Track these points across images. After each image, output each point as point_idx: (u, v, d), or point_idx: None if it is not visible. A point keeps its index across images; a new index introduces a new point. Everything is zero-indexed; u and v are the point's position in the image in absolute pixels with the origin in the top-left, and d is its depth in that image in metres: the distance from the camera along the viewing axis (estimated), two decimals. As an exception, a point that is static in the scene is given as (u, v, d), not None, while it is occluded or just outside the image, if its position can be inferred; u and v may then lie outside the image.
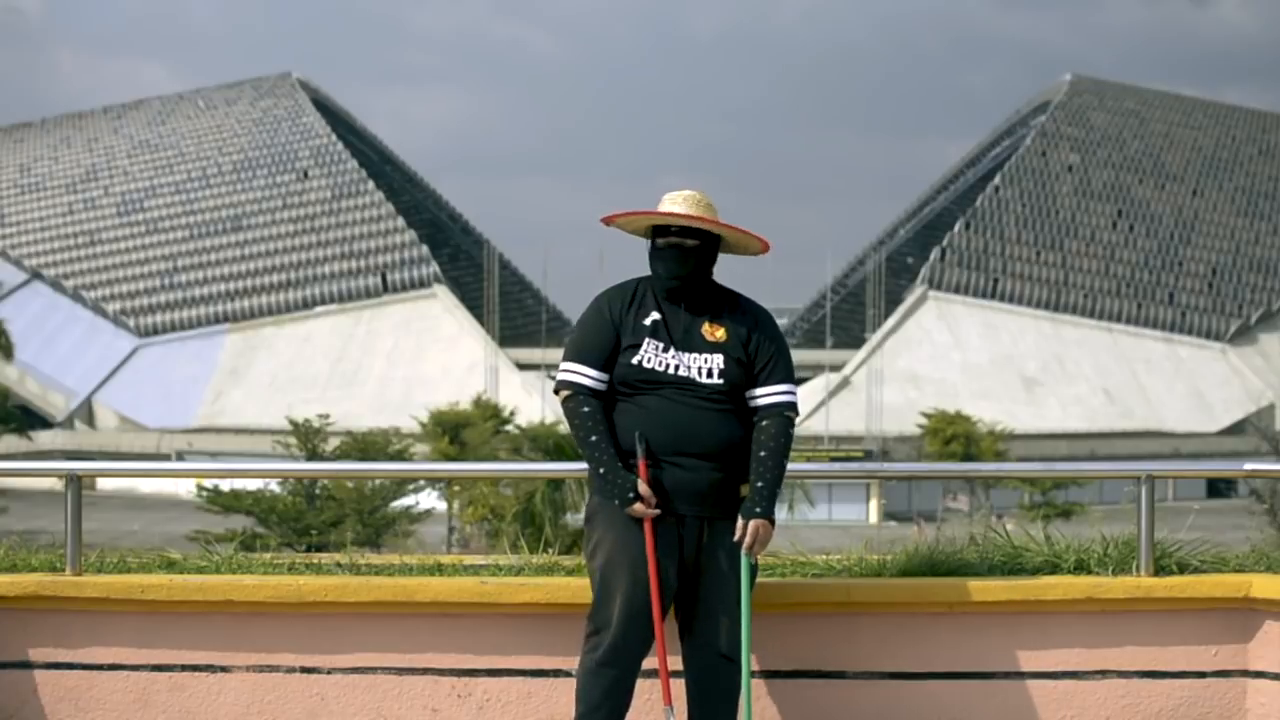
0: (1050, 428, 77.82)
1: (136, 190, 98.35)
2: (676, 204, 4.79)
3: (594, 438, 4.66)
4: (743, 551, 4.65)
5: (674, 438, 4.67)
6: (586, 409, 4.69)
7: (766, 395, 4.75)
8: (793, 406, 4.78)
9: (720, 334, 4.73)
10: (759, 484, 4.65)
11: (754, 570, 4.72)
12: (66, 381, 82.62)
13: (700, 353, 4.72)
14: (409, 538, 39.22)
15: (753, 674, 4.91)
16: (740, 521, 4.64)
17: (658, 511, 4.61)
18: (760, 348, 4.77)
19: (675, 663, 5.06)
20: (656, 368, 4.69)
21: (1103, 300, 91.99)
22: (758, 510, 4.62)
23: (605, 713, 4.70)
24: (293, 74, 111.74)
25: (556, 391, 4.79)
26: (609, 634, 4.66)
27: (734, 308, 4.81)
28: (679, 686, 4.89)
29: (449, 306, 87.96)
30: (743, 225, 4.85)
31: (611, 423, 4.69)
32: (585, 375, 4.72)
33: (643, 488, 4.60)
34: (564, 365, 4.78)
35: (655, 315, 4.73)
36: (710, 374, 4.70)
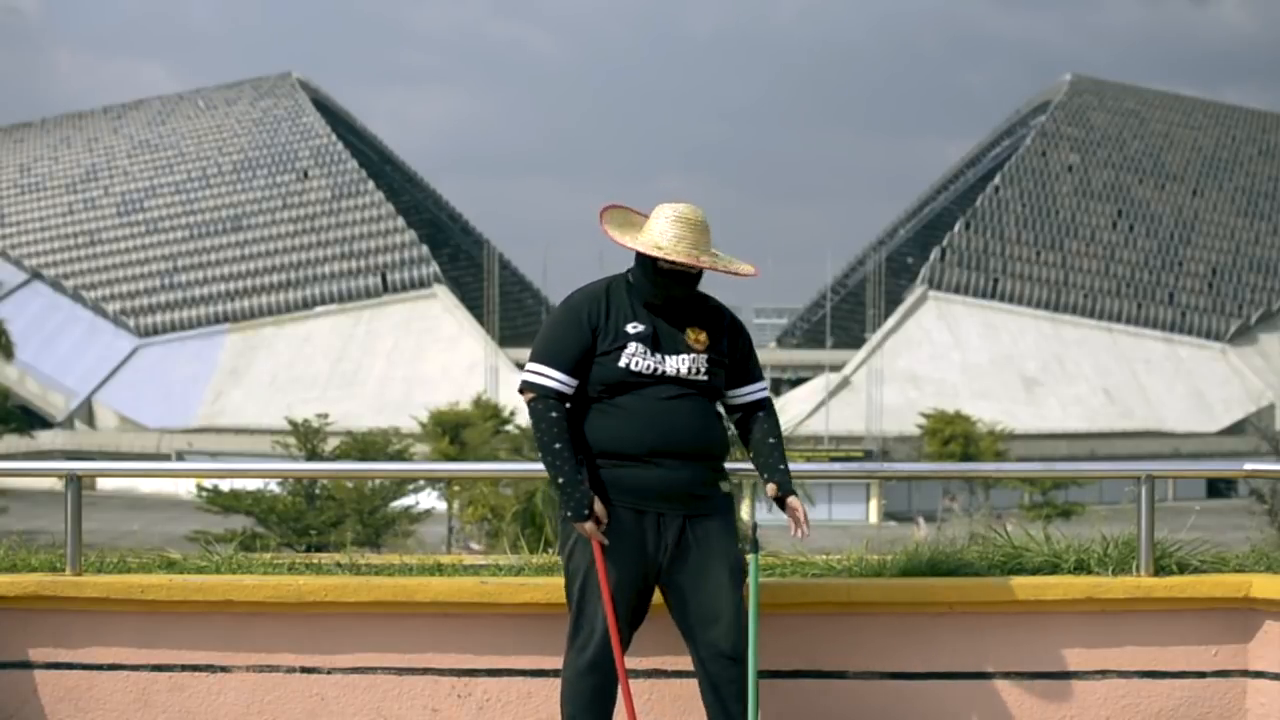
0: (1050, 428, 77.80)
1: (136, 190, 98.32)
2: (676, 227, 4.69)
3: (557, 445, 4.62)
4: (794, 530, 4.83)
5: (655, 437, 4.66)
6: (554, 414, 4.65)
7: (754, 392, 4.92)
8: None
9: (703, 339, 4.76)
10: (783, 466, 4.84)
11: (745, 571, 4.70)
12: (66, 381, 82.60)
13: (685, 354, 4.72)
14: (409, 538, 39.21)
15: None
16: (783, 496, 4.82)
17: (605, 540, 4.62)
18: (739, 349, 4.87)
19: (673, 663, 5.07)
20: (643, 370, 4.68)
21: (1103, 300, 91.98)
22: (796, 490, 4.86)
23: (596, 713, 4.70)
24: (293, 74, 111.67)
25: (522, 391, 4.77)
26: (596, 635, 4.67)
27: (711, 312, 4.84)
28: (659, 693, 4.87)
29: (449, 306, 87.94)
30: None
31: (578, 430, 4.69)
32: (554, 379, 4.69)
33: (598, 507, 4.61)
34: (532, 366, 4.73)
35: (638, 324, 4.71)
36: (695, 372, 4.71)
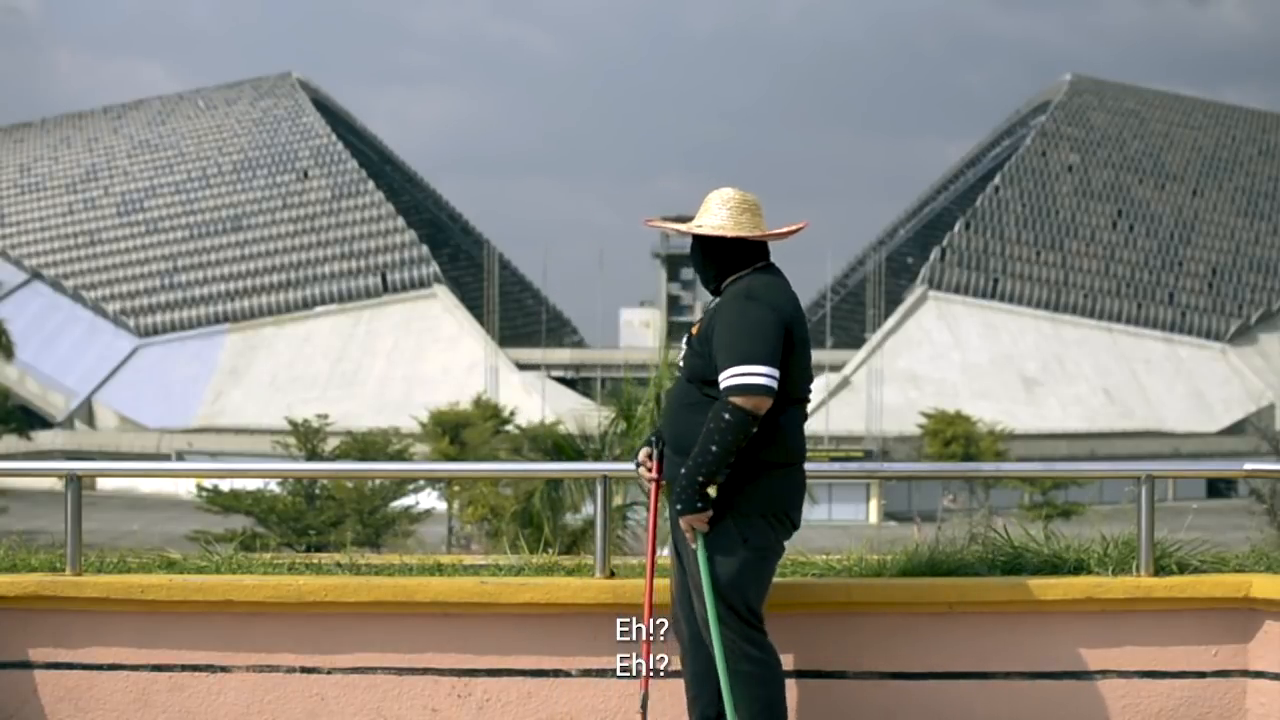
0: (1050, 428, 77.75)
1: (136, 190, 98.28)
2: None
3: None
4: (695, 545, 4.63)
5: (662, 429, 4.85)
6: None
7: (720, 383, 4.54)
8: (737, 390, 4.43)
9: (696, 327, 4.79)
10: (681, 472, 4.59)
11: (711, 561, 4.57)
12: (66, 381, 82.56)
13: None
14: (409, 538, 39.19)
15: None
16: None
17: (646, 485, 4.81)
18: (711, 334, 4.62)
19: (675, 663, 5.06)
20: (679, 360, 4.90)
21: (1103, 300, 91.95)
22: (677, 506, 4.56)
23: (691, 697, 4.84)
24: (293, 74, 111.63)
25: None
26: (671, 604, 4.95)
27: (722, 298, 4.72)
28: (659, 690, 4.86)
29: (449, 306, 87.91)
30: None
31: None
32: None
33: (643, 454, 4.81)
34: None
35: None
36: (681, 359, 4.84)
